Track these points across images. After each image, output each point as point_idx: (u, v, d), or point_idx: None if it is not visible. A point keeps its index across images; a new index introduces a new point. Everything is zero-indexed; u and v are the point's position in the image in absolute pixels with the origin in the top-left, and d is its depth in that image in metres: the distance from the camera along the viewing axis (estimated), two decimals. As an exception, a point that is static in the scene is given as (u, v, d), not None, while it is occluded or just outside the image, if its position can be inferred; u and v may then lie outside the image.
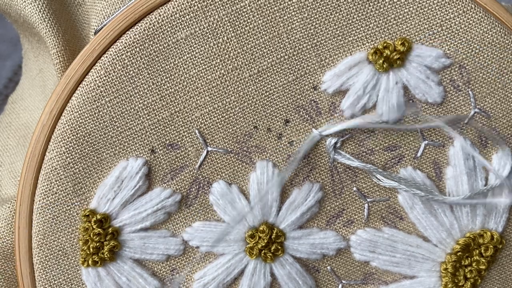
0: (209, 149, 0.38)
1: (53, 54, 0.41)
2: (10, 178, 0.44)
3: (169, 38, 0.37)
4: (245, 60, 0.37)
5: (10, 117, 0.46)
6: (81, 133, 0.37)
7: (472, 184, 0.38)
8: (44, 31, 0.41)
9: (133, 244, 0.38)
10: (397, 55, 0.37)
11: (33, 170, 0.37)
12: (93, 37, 0.37)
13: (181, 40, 0.37)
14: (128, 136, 0.37)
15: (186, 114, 0.37)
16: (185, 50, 0.37)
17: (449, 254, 0.39)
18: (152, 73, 0.37)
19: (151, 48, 0.37)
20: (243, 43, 0.37)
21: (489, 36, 0.37)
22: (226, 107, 0.37)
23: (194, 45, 0.37)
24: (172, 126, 0.37)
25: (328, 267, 0.39)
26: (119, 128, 0.37)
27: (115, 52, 0.37)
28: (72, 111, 0.37)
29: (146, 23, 0.37)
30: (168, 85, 0.37)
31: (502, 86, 0.38)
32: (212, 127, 0.37)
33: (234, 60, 0.37)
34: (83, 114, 0.37)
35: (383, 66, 0.37)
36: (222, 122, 0.37)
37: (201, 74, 0.37)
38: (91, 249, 0.37)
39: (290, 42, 0.37)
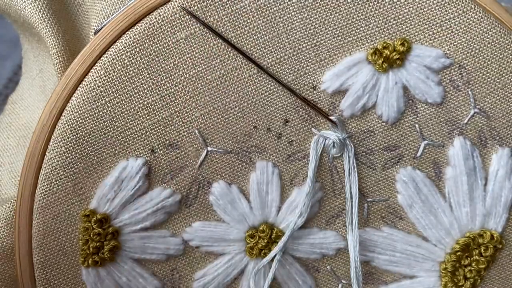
0: (209, 149, 0.38)
1: (53, 54, 0.41)
2: (10, 178, 0.44)
3: (169, 38, 0.37)
4: (244, 60, 0.37)
5: (10, 117, 0.46)
6: (81, 133, 0.37)
7: (472, 184, 0.38)
8: (44, 31, 0.41)
9: (133, 244, 0.38)
10: (397, 55, 0.37)
11: (33, 170, 0.37)
12: (93, 37, 0.37)
13: (181, 40, 0.37)
14: (128, 136, 0.37)
15: (186, 114, 0.37)
16: (185, 50, 0.37)
17: (449, 254, 0.39)
18: (152, 73, 0.37)
19: (151, 48, 0.37)
20: (243, 43, 0.37)
21: (488, 36, 0.37)
22: (226, 107, 0.37)
23: (194, 45, 0.37)
24: (172, 126, 0.37)
25: (328, 267, 0.39)
26: (119, 128, 0.37)
27: (115, 52, 0.37)
28: (72, 111, 0.37)
29: (146, 23, 0.37)
30: (168, 85, 0.37)
31: (501, 86, 0.38)
32: (212, 127, 0.37)
33: (233, 60, 0.37)
34: (83, 114, 0.37)
35: (382, 66, 0.37)
36: (222, 122, 0.37)
37: (201, 74, 0.37)
38: (91, 249, 0.37)
39: (290, 42, 0.37)
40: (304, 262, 0.39)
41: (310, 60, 0.37)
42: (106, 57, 0.37)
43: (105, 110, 0.37)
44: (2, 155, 0.45)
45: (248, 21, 0.37)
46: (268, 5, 0.37)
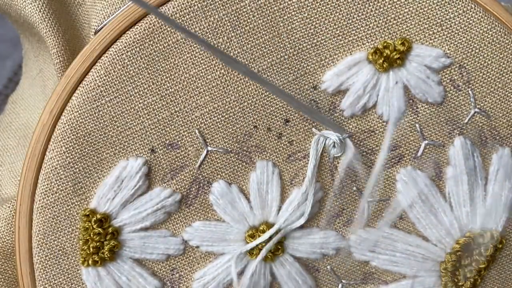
0: (209, 148, 0.38)
1: (53, 54, 0.41)
2: (10, 178, 0.44)
3: (169, 38, 0.37)
4: (245, 60, 0.37)
5: (10, 117, 0.46)
6: (81, 133, 0.37)
7: (472, 184, 0.38)
8: (44, 31, 0.41)
9: (133, 244, 0.38)
10: (397, 54, 0.37)
11: (33, 169, 0.37)
12: (93, 37, 0.37)
13: (181, 40, 0.37)
14: (128, 136, 0.37)
15: (186, 114, 0.37)
16: (185, 50, 0.37)
17: (449, 253, 0.39)
18: (152, 73, 0.37)
19: (151, 48, 0.37)
20: (243, 43, 0.37)
21: (489, 36, 0.37)
22: (226, 106, 0.37)
23: (194, 45, 0.37)
24: (172, 126, 0.37)
25: (328, 267, 0.39)
26: (119, 128, 0.37)
27: (115, 52, 0.37)
28: (72, 110, 0.37)
29: (146, 23, 0.37)
30: (168, 85, 0.37)
31: (502, 85, 0.38)
32: (212, 127, 0.37)
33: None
34: (83, 113, 0.37)
35: (383, 66, 0.37)
36: (222, 122, 0.37)
37: (201, 74, 0.37)
38: (91, 249, 0.37)
39: (290, 42, 0.37)
40: (304, 262, 0.39)
41: (310, 60, 0.37)
42: (106, 56, 0.37)
43: (105, 110, 0.37)
44: (2, 155, 0.45)
45: (248, 21, 0.37)
46: (268, 5, 0.37)
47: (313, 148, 0.37)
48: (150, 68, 0.37)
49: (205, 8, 0.37)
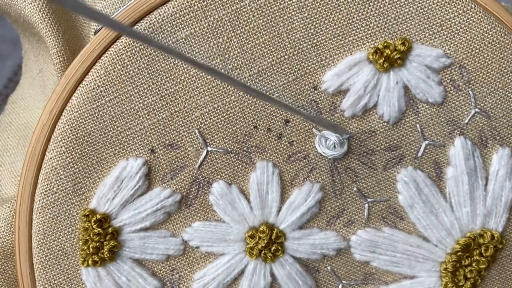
0: (209, 149, 0.38)
1: (53, 54, 0.41)
2: (10, 178, 0.44)
3: (169, 38, 0.37)
4: (245, 60, 0.37)
5: (10, 117, 0.46)
6: (81, 133, 0.37)
7: (472, 184, 0.38)
8: (44, 31, 0.41)
9: (133, 244, 0.38)
10: (398, 54, 0.37)
11: (33, 170, 0.37)
12: (93, 37, 0.37)
13: (181, 40, 0.37)
14: (128, 136, 0.37)
15: (186, 114, 0.37)
16: (185, 50, 0.37)
17: (449, 254, 0.39)
18: (152, 73, 0.37)
19: (151, 47, 0.37)
20: (243, 43, 0.37)
21: (489, 36, 0.37)
22: (226, 107, 0.37)
23: (194, 45, 0.37)
24: (172, 126, 0.37)
25: (328, 267, 0.39)
26: (119, 128, 0.37)
27: (115, 52, 0.37)
28: (72, 110, 0.37)
29: (146, 22, 0.37)
30: (168, 85, 0.37)
31: (502, 86, 0.38)
32: (212, 127, 0.37)
33: (234, 60, 0.37)
34: (83, 113, 0.37)
35: (383, 66, 0.37)
36: (222, 122, 0.37)
37: (201, 74, 0.37)
38: (91, 249, 0.37)
39: (290, 42, 0.37)
40: (305, 262, 0.39)
41: (310, 60, 0.37)
42: (106, 56, 0.37)
43: (105, 110, 0.37)
44: (2, 155, 0.45)
45: (248, 21, 0.37)
46: (268, 5, 0.37)
47: (319, 149, 0.37)
48: (150, 68, 0.37)
49: (205, 8, 0.37)
